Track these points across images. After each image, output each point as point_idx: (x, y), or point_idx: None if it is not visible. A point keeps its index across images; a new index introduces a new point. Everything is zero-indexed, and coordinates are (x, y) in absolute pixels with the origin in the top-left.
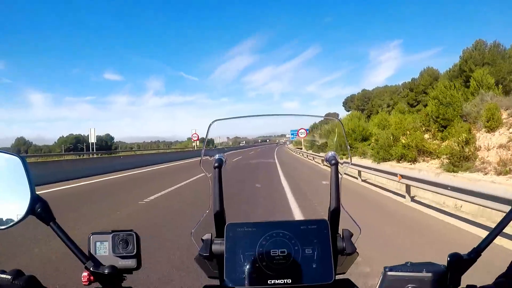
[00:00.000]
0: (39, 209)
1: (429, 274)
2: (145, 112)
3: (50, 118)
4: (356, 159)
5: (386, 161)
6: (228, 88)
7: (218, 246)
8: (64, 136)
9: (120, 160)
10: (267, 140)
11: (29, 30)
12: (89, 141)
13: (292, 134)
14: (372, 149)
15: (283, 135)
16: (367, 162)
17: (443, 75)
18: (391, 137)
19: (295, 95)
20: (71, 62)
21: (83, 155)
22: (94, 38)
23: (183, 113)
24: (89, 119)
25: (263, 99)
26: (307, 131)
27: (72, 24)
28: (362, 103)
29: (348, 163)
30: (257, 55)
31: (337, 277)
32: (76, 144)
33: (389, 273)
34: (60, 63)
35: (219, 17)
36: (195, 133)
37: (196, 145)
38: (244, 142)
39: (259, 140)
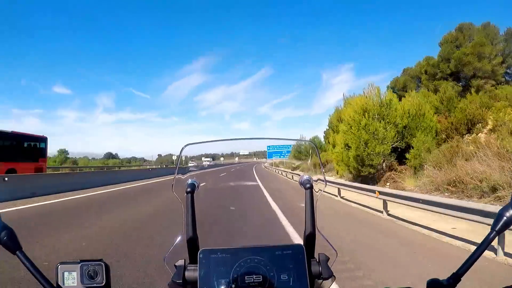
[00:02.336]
0: (5, 237)
1: None
2: (95, 129)
3: None
4: None
5: None
6: (179, 107)
7: (192, 273)
8: None
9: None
10: (237, 158)
11: None
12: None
13: (271, 148)
14: None
15: (250, 154)
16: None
17: None
18: None
19: (247, 115)
20: (18, 72)
21: None
22: (42, 49)
23: (134, 131)
24: (37, 133)
25: (215, 119)
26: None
27: (19, 31)
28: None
29: (322, 189)
30: (209, 74)
31: None
32: None
33: None
34: (6, 73)
35: (171, 33)
36: None
37: None
38: (210, 160)
39: (221, 159)
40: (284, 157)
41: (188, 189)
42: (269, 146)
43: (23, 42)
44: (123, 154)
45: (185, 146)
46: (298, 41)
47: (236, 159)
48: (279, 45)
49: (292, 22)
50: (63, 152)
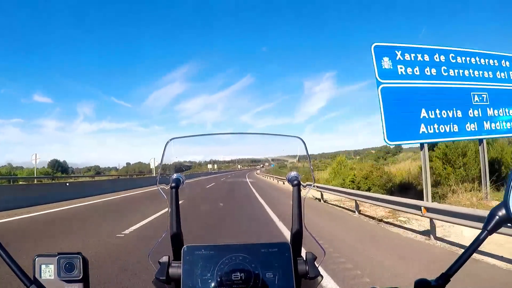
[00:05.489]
0: None
1: None
2: (75, 139)
3: None
4: None
5: None
6: (160, 116)
7: (175, 269)
8: None
9: None
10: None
11: None
12: None
13: None
14: None
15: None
16: None
17: None
18: None
19: (229, 124)
20: None
21: None
22: (22, 58)
23: (115, 141)
24: (16, 143)
25: (197, 128)
26: None
27: None
28: None
29: (310, 185)
30: (190, 83)
31: None
32: None
33: None
34: None
35: (152, 42)
36: None
37: None
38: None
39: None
40: None
41: (173, 184)
42: None
43: (1, 51)
44: (86, 163)
45: (170, 140)
46: (279, 49)
47: (215, 166)
48: (260, 53)
49: (273, 31)
50: None
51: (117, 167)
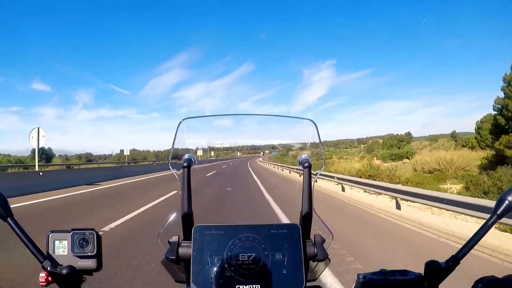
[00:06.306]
0: None
1: (405, 282)
2: (74, 126)
3: None
4: None
5: None
6: (159, 103)
7: (185, 249)
8: None
9: None
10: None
11: None
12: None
13: None
14: None
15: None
16: None
17: None
18: None
19: (228, 112)
20: None
21: None
22: (21, 46)
23: (113, 128)
24: (14, 131)
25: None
26: None
27: None
28: None
29: (317, 173)
30: (189, 70)
31: (308, 283)
32: None
33: (363, 280)
34: None
35: (151, 29)
36: None
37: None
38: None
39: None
40: None
41: (185, 164)
42: None
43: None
44: (83, 150)
45: (183, 120)
46: (279, 36)
47: (212, 153)
48: (260, 40)
49: (273, 18)
50: None
51: (112, 154)
